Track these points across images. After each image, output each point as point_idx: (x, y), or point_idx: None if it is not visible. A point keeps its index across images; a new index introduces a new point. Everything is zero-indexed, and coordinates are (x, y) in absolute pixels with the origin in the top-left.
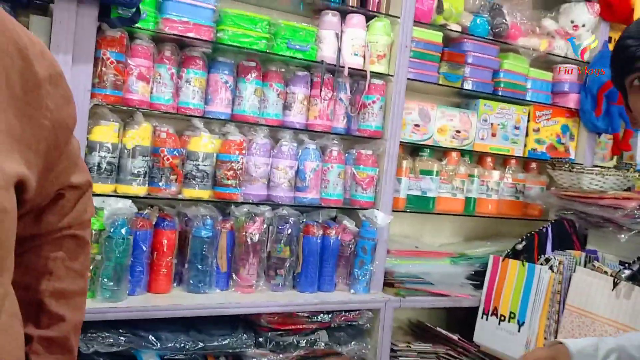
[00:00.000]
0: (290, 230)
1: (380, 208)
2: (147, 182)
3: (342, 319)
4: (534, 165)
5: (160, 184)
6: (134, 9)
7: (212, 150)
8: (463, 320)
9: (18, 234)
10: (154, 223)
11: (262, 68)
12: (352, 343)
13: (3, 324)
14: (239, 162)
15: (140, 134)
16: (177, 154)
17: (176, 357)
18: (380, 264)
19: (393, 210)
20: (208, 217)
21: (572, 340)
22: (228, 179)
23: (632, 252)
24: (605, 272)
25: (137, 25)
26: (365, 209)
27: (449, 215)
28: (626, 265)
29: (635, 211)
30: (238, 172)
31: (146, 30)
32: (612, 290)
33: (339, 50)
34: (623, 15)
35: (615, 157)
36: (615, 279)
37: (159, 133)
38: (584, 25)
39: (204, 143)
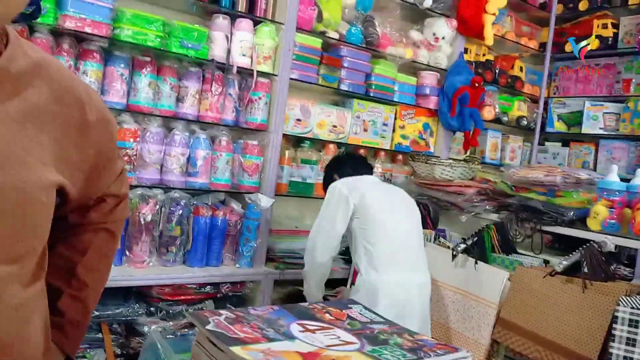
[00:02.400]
0: (181, 211)
1: (264, 192)
2: None
3: (228, 289)
4: (399, 157)
5: None
6: (34, 6)
7: None
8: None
9: (70, 221)
10: None
11: (157, 63)
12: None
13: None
14: (133, 148)
15: None
16: None
17: None
18: (263, 241)
19: (276, 194)
20: None
21: None
22: None
23: (471, 230)
24: (448, 247)
25: (37, 20)
26: (250, 193)
27: None
28: (463, 240)
29: (474, 196)
30: (132, 158)
31: (45, 25)
32: (452, 261)
33: (229, 50)
34: (476, 30)
35: (467, 152)
36: (454, 252)
37: None
38: (443, 38)
39: None
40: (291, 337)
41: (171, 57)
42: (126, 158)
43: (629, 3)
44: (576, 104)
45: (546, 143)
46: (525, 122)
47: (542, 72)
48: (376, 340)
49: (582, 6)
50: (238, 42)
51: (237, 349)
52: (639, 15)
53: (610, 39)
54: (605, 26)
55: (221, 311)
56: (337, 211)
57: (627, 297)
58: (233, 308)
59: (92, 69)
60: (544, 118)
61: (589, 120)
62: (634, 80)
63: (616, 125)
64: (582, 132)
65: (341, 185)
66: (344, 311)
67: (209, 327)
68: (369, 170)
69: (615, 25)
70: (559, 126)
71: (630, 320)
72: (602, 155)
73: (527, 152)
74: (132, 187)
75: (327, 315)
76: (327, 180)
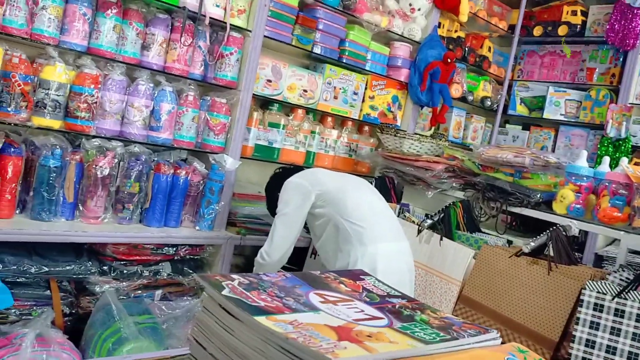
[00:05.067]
0: (141, 167)
1: (229, 153)
2: None
3: (186, 252)
4: (366, 128)
5: (9, 109)
6: None
7: (66, 81)
8: (297, 259)
9: None
10: None
11: (123, 5)
12: (193, 275)
13: None
14: (93, 95)
15: None
16: (29, 81)
17: (18, 279)
18: (225, 204)
19: (241, 157)
20: (57, 146)
21: None
22: (81, 111)
23: (436, 206)
24: (413, 222)
25: None
26: (215, 153)
27: None
28: (429, 216)
29: (442, 173)
30: (92, 106)
31: None
32: (417, 236)
33: None
34: (452, 5)
35: (432, 128)
36: (419, 227)
37: (11, 57)
38: (419, 9)
39: (58, 72)
40: (314, 309)
41: (139, 1)
42: (85, 105)
43: None
44: (539, 88)
45: (507, 125)
46: (489, 103)
47: (509, 54)
48: (400, 315)
49: None
50: None
51: (262, 319)
52: (608, 5)
53: (578, 26)
54: (574, 13)
55: (233, 275)
56: (302, 206)
57: (593, 282)
58: (244, 274)
59: (53, 5)
60: (507, 100)
61: (550, 105)
62: (597, 69)
63: (577, 112)
64: (544, 117)
65: (297, 178)
66: (357, 282)
67: (225, 292)
68: None
69: (585, 13)
70: (521, 109)
71: (596, 304)
72: (560, 141)
73: (488, 133)
74: (89, 137)
75: (342, 286)
76: (274, 202)
